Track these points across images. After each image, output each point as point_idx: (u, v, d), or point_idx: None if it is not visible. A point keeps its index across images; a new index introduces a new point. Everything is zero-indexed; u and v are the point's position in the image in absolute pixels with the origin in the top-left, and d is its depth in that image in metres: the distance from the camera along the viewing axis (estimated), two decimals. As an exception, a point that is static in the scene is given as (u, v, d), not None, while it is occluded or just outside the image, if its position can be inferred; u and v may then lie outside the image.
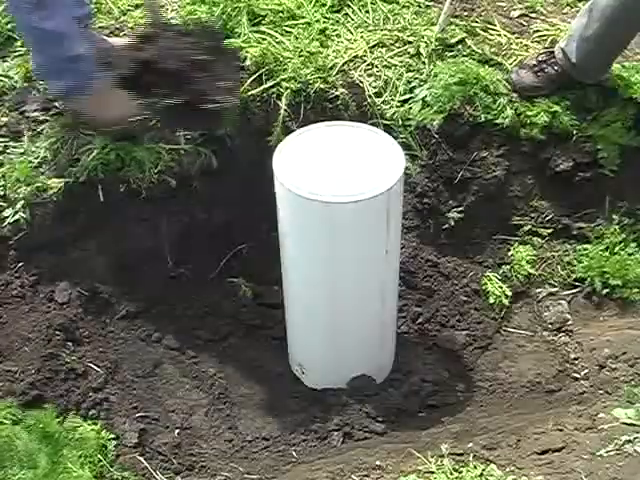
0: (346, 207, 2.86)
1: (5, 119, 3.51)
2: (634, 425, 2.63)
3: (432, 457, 2.62)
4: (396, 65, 3.69)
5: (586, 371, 3.32)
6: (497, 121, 3.53)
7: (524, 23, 3.92)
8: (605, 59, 3.58)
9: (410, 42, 3.75)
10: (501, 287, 3.59)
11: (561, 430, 2.71)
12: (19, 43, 3.78)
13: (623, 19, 3.36)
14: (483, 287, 3.61)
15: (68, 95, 3.37)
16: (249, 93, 3.54)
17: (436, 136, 3.56)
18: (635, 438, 2.54)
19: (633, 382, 3.06)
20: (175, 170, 3.40)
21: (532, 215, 3.72)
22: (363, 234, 2.97)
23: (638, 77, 3.62)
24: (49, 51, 3.26)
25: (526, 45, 3.79)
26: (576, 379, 3.30)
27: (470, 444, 2.74)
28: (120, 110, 3.31)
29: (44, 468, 2.55)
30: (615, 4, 3.32)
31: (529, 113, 3.56)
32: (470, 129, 3.57)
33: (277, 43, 3.66)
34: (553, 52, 3.61)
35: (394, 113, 3.57)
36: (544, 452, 2.62)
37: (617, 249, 3.63)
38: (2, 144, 3.44)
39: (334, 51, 3.71)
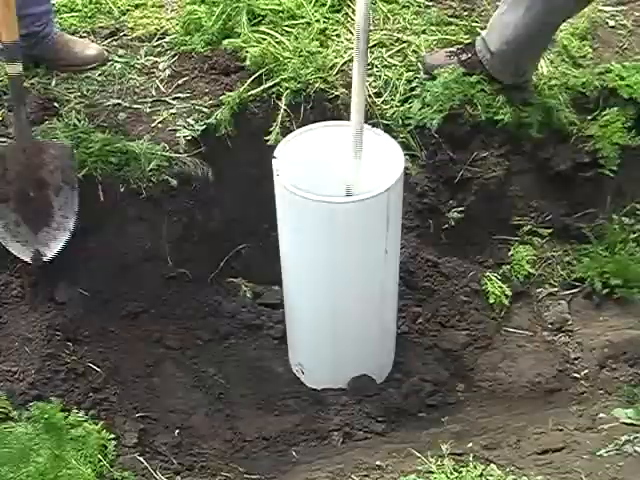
0: (346, 207, 2.87)
1: (4, 119, 3.51)
2: (634, 425, 2.63)
3: (432, 457, 2.61)
4: (396, 65, 3.69)
5: (586, 371, 3.32)
6: (497, 118, 3.53)
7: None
8: (520, 52, 3.51)
9: (410, 42, 3.75)
10: (501, 287, 3.58)
11: (561, 430, 2.71)
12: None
13: (539, 6, 3.34)
14: (483, 287, 3.60)
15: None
16: (249, 93, 3.54)
17: (436, 136, 3.56)
18: (635, 438, 2.53)
19: (633, 382, 3.06)
20: (175, 171, 3.41)
21: (532, 215, 3.72)
22: (363, 234, 2.97)
23: (638, 77, 3.62)
24: None
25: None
26: (576, 379, 3.30)
27: (470, 444, 2.74)
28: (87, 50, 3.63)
29: (45, 463, 2.55)
30: None
31: (529, 112, 3.56)
32: (470, 129, 3.57)
33: (277, 43, 3.66)
34: (471, 44, 3.62)
35: (394, 113, 3.57)
36: (544, 452, 2.61)
37: (617, 249, 3.63)
38: (1, 144, 3.43)
39: (334, 51, 3.71)
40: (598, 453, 2.52)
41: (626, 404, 2.78)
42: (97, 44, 3.76)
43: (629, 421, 2.66)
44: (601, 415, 2.75)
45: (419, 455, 2.63)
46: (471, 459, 2.59)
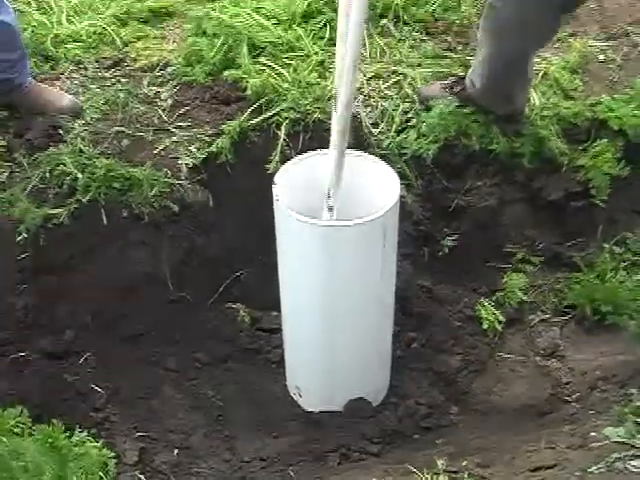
0: (343, 231, 2.93)
1: (9, 144, 3.58)
2: (624, 444, 2.66)
3: (427, 474, 2.65)
4: (392, 96, 3.77)
5: (577, 394, 3.35)
6: (490, 148, 3.61)
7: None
8: (501, 83, 3.56)
9: (406, 74, 3.84)
10: (494, 313, 3.63)
11: (553, 448, 2.74)
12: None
13: (506, 33, 3.38)
14: (477, 313, 3.65)
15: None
16: (249, 122, 3.61)
17: (431, 165, 3.63)
18: (625, 456, 2.55)
19: (623, 402, 3.10)
20: (176, 196, 3.47)
21: (525, 243, 3.79)
22: (359, 259, 3.03)
23: (627, 109, 3.70)
24: None
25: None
26: (567, 402, 3.34)
27: (465, 462, 2.77)
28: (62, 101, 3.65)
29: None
30: (499, 20, 3.36)
31: (521, 143, 3.64)
32: (464, 159, 3.65)
33: (277, 74, 3.74)
34: (463, 78, 3.70)
35: (390, 143, 3.63)
36: (537, 469, 2.62)
37: (608, 277, 3.68)
38: (7, 169, 3.50)
39: (332, 82, 3.78)
40: (589, 470, 2.54)
41: (617, 423, 2.81)
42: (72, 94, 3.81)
43: (619, 440, 2.68)
44: (592, 434, 2.77)
45: (414, 470, 2.67)
46: (466, 476, 2.63)
